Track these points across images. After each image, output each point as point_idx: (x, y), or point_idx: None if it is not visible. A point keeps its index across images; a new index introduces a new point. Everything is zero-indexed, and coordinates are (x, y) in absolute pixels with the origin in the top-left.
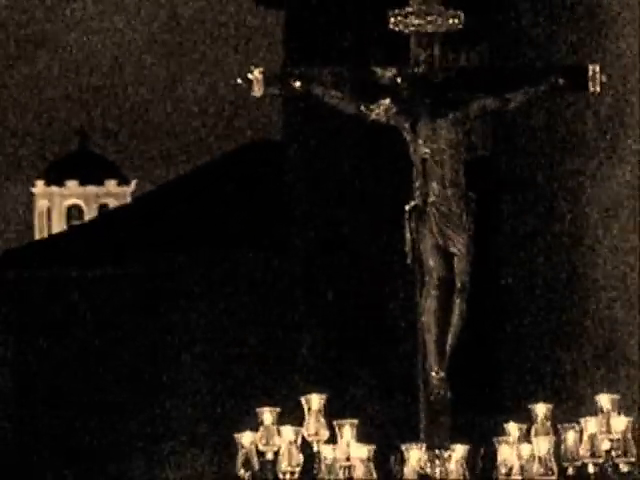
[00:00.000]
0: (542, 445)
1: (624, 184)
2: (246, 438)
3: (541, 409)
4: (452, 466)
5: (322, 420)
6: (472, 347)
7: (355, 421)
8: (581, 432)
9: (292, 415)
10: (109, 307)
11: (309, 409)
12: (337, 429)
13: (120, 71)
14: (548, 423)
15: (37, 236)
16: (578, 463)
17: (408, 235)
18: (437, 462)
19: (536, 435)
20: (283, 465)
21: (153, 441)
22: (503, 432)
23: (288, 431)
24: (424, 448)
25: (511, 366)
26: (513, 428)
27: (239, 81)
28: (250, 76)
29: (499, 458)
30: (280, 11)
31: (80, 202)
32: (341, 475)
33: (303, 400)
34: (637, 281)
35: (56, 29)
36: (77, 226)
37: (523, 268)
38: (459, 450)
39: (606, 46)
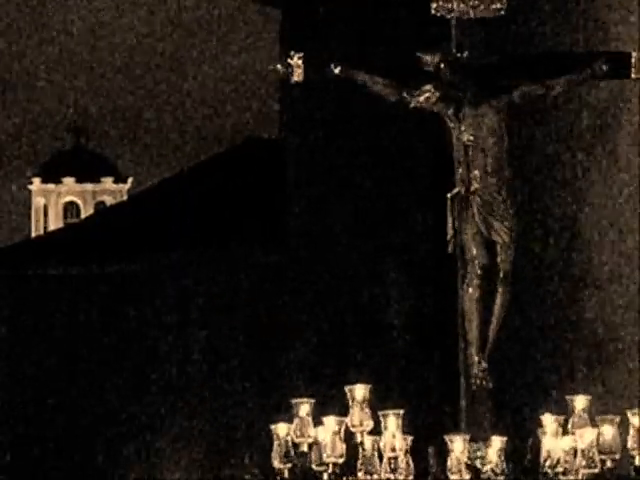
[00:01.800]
0: (586, 437)
1: (624, 183)
2: (281, 429)
3: (580, 401)
4: (493, 457)
5: (367, 410)
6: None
7: (401, 411)
8: (619, 425)
9: (287, 414)
10: (106, 305)
11: (353, 399)
12: (382, 419)
13: (116, 69)
14: (586, 415)
15: (33, 233)
16: (616, 456)
17: (450, 223)
18: (478, 453)
19: (574, 427)
20: (325, 456)
21: (149, 441)
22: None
23: (331, 421)
24: (467, 439)
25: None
26: (549, 420)
27: (279, 67)
28: (290, 62)
29: (543, 450)
30: (277, 8)
31: (77, 199)
32: (386, 467)
33: (347, 390)
34: (637, 280)
35: (51, 27)
36: (74, 224)
37: (522, 267)
38: (498, 441)
39: (607, 42)
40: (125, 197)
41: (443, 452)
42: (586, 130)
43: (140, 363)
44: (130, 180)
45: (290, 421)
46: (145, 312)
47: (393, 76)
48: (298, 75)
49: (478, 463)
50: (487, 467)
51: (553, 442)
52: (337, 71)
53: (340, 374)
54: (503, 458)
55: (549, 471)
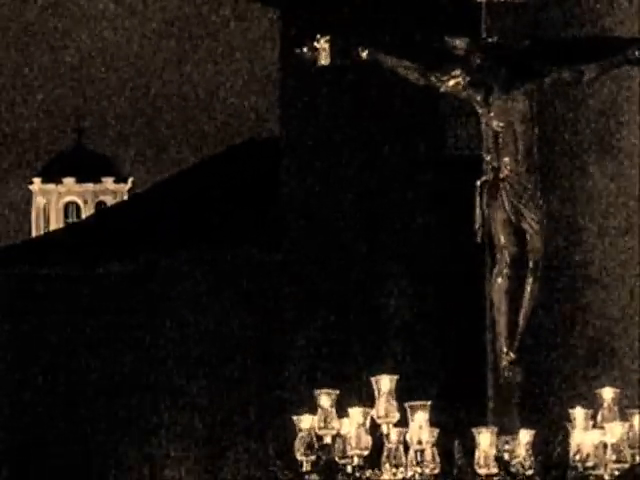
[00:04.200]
0: (615, 431)
1: (623, 182)
2: (305, 422)
3: (608, 393)
4: (521, 450)
5: (393, 402)
6: (468, 344)
7: (429, 403)
8: None
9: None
10: (106, 304)
11: (379, 390)
12: (409, 411)
13: (117, 69)
14: (615, 408)
15: (34, 233)
16: None
17: (478, 211)
18: (506, 447)
19: (604, 421)
20: (349, 448)
21: (149, 440)
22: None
23: (357, 413)
24: (495, 432)
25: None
26: (579, 413)
27: (305, 50)
28: (317, 45)
29: (573, 444)
30: (276, 8)
31: (77, 199)
32: (411, 459)
33: (373, 381)
34: (637, 280)
35: (54, 27)
36: (74, 224)
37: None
38: (526, 435)
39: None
40: (125, 197)
41: (468, 446)
42: (587, 130)
43: (140, 362)
44: (130, 180)
45: (313, 412)
46: (145, 311)
47: (422, 61)
48: (325, 58)
49: (506, 456)
50: (515, 461)
51: (583, 436)
52: (364, 55)
53: (338, 374)
54: (531, 452)
55: (579, 465)
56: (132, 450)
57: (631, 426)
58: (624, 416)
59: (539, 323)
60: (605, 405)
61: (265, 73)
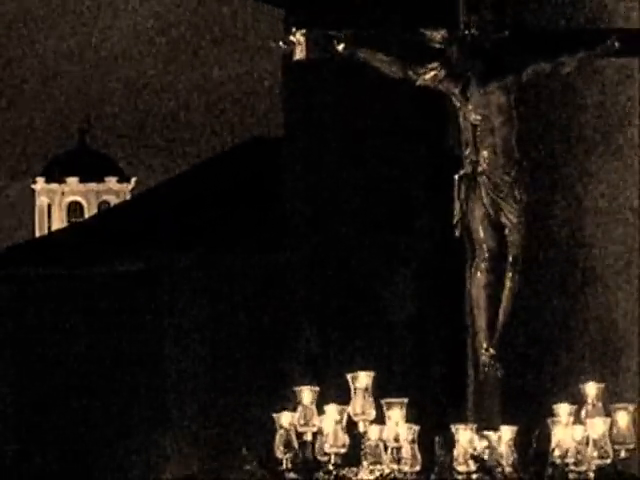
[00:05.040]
0: (597, 427)
1: (624, 182)
2: (285, 418)
3: (592, 389)
4: (502, 448)
5: (369, 399)
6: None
7: (405, 400)
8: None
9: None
10: (109, 304)
11: (355, 387)
12: (385, 408)
13: (120, 68)
14: (600, 404)
15: (37, 233)
16: (631, 446)
17: (457, 205)
18: (486, 444)
19: (588, 417)
20: (327, 446)
21: (153, 439)
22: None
23: (333, 410)
24: (474, 429)
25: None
26: (563, 409)
27: (281, 44)
28: (292, 39)
29: (553, 440)
30: (279, 7)
31: (80, 199)
32: (389, 456)
33: (349, 377)
34: (637, 279)
35: (56, 26)
36: (77, 223)
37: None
38: (507, 431)
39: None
40: (129, 197)
41: (449, 442)
42: (587, 129)
43: (142, 361)
44: (134, 180)
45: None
46: (148, 310)
47: (398, 54)
48: (300, 52)
49: (484, 453)
50: (492, 457)
51: (564, 432)
52: (340, 48)
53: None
54: (513, 448)
55: (558, 461)
56: (132, 450)
57: (614, 422)
58: (609, 412)
59: (538, 321)
60: (589, 401)
61: (268, 73)
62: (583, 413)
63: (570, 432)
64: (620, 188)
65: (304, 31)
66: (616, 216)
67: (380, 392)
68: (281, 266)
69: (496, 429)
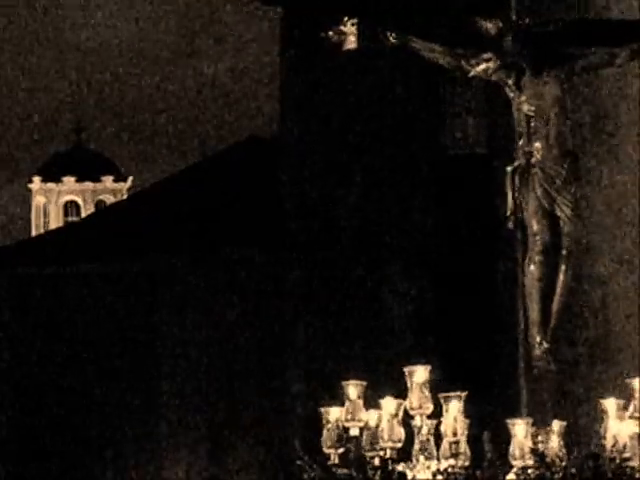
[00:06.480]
0: None
1: (624, 182)
2: (333, 414)
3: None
4: (554, 442)
5: (426, 393)
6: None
7: (463, 394)
8: None
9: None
10: (106, 304)
11: (412, 382)
12: (443, 402)
13: (117, 68)
14: None
15: (34, 232)
16: None
17: (510, 197)
18: (539, 437)
19: (635, 412)
20: (382, 440)
21: (149, 441)
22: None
23: (389, 403)
24: (530, 423)
25: (507, 361)
26: (610, 404)
27: (331, 34)
28: (344, 29)
29: (608, 435)
30: (277, 7)
31: (77, 198)
32: (446, 451)
33: (406, 372)
34: (637, 279)
35: (53, 26)
36: (74, 223)
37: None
38: (559, 425)
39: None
40: (125, 196)
41: (497, 437)
42: (586, 129)
43: (140, 361)
44: (130, 179)
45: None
46: (145, 311)
47: (451, 44)
48: (351, 43)
49: (542, 448)
50: (550, 452)
51: (618, 426)
52: (392, 38)
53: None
54: (563, 443)
55: (616, 456)
56: (132, 449)
57: None
58: None
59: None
60: (637, 395)
61: (266, 72)
62: (631, 408)
63: (624, 427)
64: (620, 188)
65: (355, 21)
66: (617, 216)
67: (380, 392)
68: (280, 266)
69: (549, 423)
